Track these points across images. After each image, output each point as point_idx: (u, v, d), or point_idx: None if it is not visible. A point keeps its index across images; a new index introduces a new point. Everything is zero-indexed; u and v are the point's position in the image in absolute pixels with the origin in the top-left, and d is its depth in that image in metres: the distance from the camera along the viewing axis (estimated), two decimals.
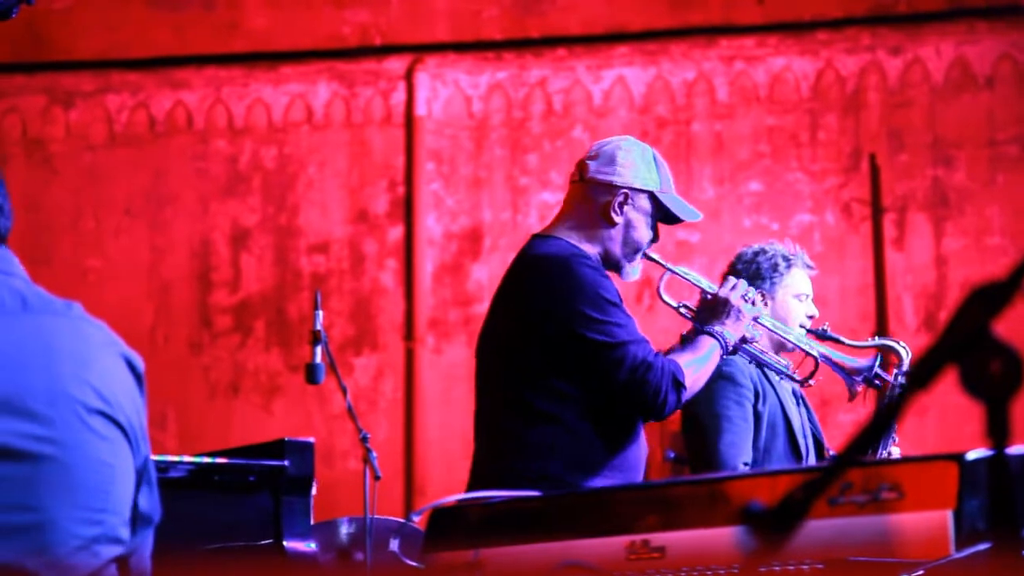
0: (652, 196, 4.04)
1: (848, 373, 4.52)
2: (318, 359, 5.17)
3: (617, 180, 4.02)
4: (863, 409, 7.92)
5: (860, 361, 4.50)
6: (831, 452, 5.01)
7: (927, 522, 2.62)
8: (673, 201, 4.09)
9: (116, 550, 2.35)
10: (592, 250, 4.01)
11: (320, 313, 5.23)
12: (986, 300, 1.64)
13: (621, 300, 3.95)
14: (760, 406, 4.71)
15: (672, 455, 6.40)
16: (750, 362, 4.65)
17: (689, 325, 4.17)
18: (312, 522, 4.20)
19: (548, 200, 8.38)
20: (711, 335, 4.03)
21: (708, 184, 8.48)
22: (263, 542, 4.03)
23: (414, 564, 3.24)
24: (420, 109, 8.73)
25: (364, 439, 5.14)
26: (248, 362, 8.67)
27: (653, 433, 8.11)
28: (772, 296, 4.85)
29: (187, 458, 4.02)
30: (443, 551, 3.12)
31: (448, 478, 7.87)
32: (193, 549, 3.87)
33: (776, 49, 8.52)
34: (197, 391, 8.63)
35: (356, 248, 8.72)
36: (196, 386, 8.64)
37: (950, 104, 8.37)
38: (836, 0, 8.48)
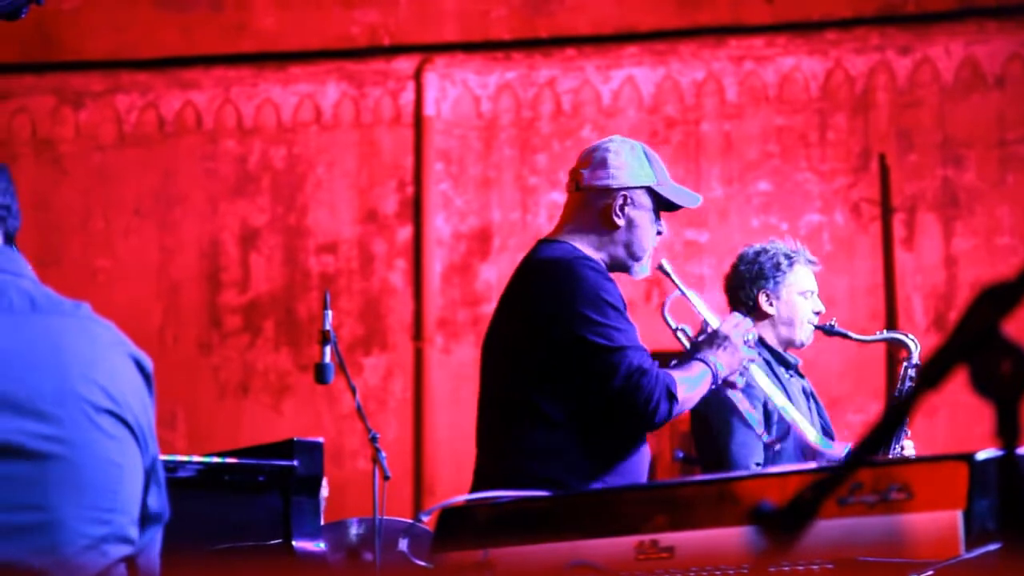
0: (650, 191, 4.04)
1: (814, 452, 4.48)
2: (327, 359, 5.17)
3: (613, 183, 4.02)
4: (873, 408, 7.91)
5: (831, 449, 4.44)
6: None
7: (937, 522, 2.61)
8: (672, 190, 4.08)
9: (125, 549, 2.35)
10: (598, 255, 4.01)
11: (329, 313, 5.23)
12: (996, 300, 1.63)
13: (625, 306, 3.94)
14: (770, 406, 4.71)
15: (681, 455, 6.39)
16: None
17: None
18: (321, 522, 4.20)
19: (557, 200, 8.38)
20: (704, 362, 4.02)
21: (717, 184, 8.48)
22: (272, 542, 4.03)
23: (423, 564, 3.24)
24: (429, 109, 8.73)
25: (373, 439, 5.14)
26: (257, 362, 8.67)
27: (663, 433, 8.12)
28: (777, 295, 4.84)
29: (196, 458, 4.01)
30: (452, 551, 3.12)
31: (457, 478, 7.86)
32: (202, 549, 3.87)
33: (785, 49, 8.51)
34: (206, 391, 8.64)
35: (365, 248, 8.72)
36: (205, 386, 8.65)
37: (959, 104, 8.36)
38: (845, 0, 8.47)
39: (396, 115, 8.79)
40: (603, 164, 4.04)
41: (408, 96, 8.77)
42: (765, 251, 4.89)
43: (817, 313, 4.90)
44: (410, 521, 5.27)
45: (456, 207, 8.69)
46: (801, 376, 4.93)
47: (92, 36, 8.92)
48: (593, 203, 4.04)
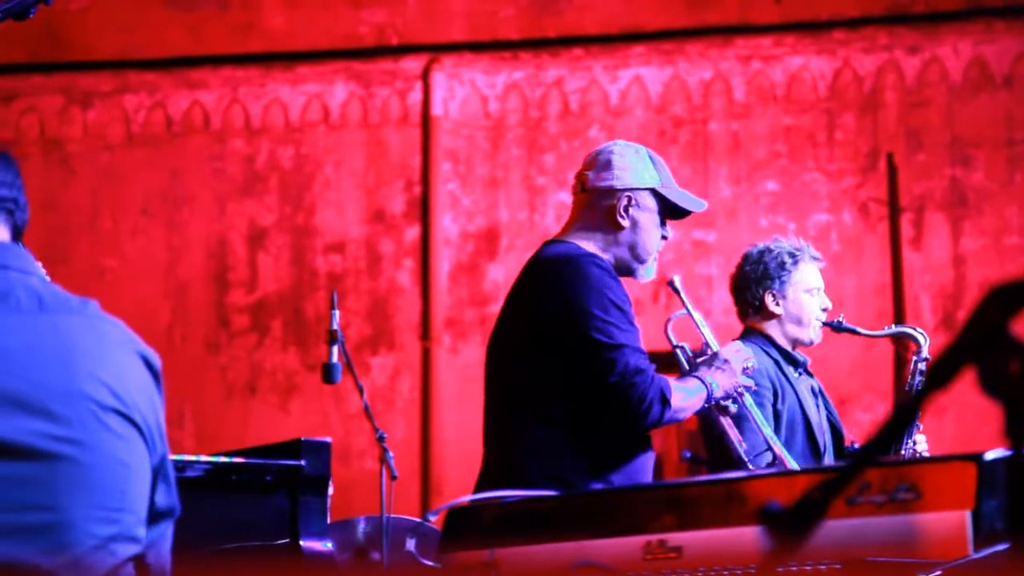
0: (655, 193, 4.05)
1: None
2: (335, 359, 5.17)
3: (617, 184, 4.03)
4: (881, 407, 7.90)
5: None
6: (853, 443, 5.01)
7: (945, 522, 2.61)
8: (677, 194, 4.09)
9: (133, 549, 2.35)
10: (603, 256, 4.01)
11: (337, 313, 5.23)
12: (1004, 300, 1.63)
13: (630, 307, 3.94)
14: (779, 405, 4.71)
15: (688, 455, 6.38)
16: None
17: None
18: (329, 521, 4.20)
19: (565, 200, 8.37)
20: (699, 379, 4.04)
21: (725, 184, 8.47)
22: (280, 541, 4.04)
23: (430, 564, 3.24)
24: (437, 109, 8.73)
25: (381, 439, 5.14)
26: (265, 362, 8.68)
27: (670, 433, 8.12)
28: (783, 295, 4.84)
29: (204, 458, 4.02)
30: (459, 551, 3.12)
31: (465, 478, 7.86)
32: (210, 548, 3.88)
33: (793, 48, 8.50)
34: (214, 391, 8.65)
35: (373, 248, 8.72)
36: (213, 386, 8.66)
37: (968, 103, 8.35)
38: (853, 0, 8.47)
39: (404, 115, 8.79)
40: (608, 166, 4.06)
41: (416, 96, 8.77)
42: (769, 251, 4.88)
43: (824, 310, 4.89)
44: (417, 521, 5.27)
45: (464, 207, 8.69)
46: (810, 375, 4.93)
47: (100, 36, 8.93)
48: (598, 204, 4.05)
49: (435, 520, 3.83)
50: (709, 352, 4.17)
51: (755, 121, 8.51)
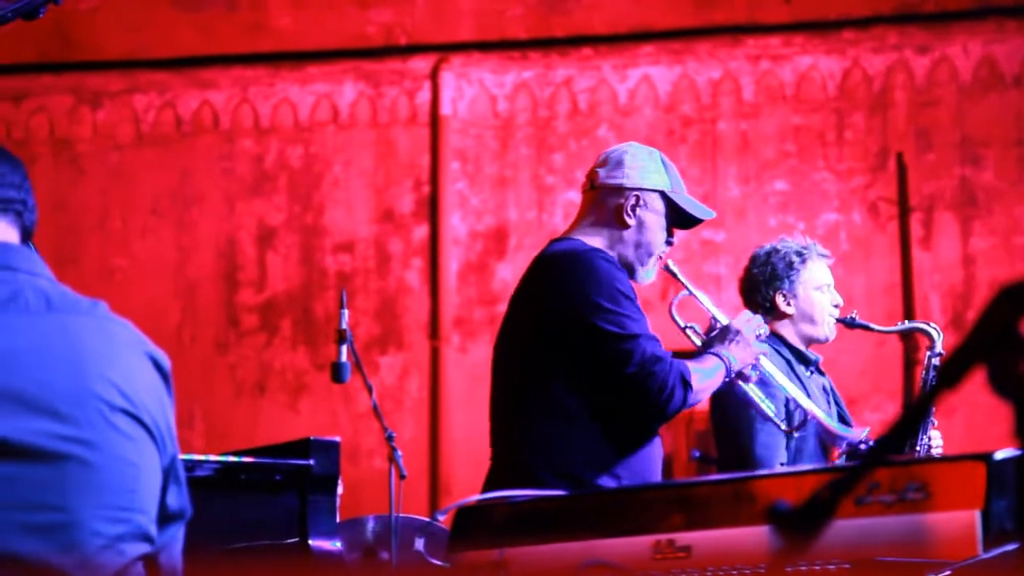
0: (664, 196, 4.05)
1: (833, 437, 4.44)
2: (344, 358, 5.18)
3: (627, 183, 4.04)
4: (891, 407, 7.90)
5: (851, 433, 4.40)
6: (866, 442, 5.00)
7: (955, 522, 2.61)
8: (685, 200, 4.09)
9: (143, 548, 2.35)
10: (609, 252, 4.02)
11: (346, 312, 5.23)
12: (1014, 299, 1.63)
13: (636, 297, 3.95)
14: (791, 406, 4.70)
15: (698, 454, 6.38)
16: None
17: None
18: (338, 521, 4.20)
19: (574, 199, 8.37)
20: (717, 356, 4.03)
21: (734, 183, 8.47)
22: (289, 541, 4.04)
23: (439, 563, 3.24)
24: (445, 108, 8.74)
25: (389, 438, 5.15)
26: (274, 361, 8.68)
27: (679, 432, 8.12)
28: (793, 294, 4.83)
29: (213, 457, 4.02)
30: (468, 550, 3.12)
31: (473, 477, 7.85)
32: (219, 548, 3.88)
33: (802, 48, 8.50)
34: (223, 390, 8.66)
35: (382, 247, 8.73)
36: (222, 385, 8.66)
37: (978, 103, 8.34)
38: None
39: (412, 114, 8.79)
40: (619, 164, 4.07)
41: (424, 95, 8.77)
42: (776, 251, 4.87)
43: (836, 306, 4.88)
44: (426, 520, 5.27)
45: (472, 206, 8.69)
46: (822, 373, 4.92)
47: (109, 36, 8.94)
48: (606, 201, 4.06)
49: (444, 519, 3.83)
50: (719, 327, 4.15)
51: (764, 121, 8.50)
